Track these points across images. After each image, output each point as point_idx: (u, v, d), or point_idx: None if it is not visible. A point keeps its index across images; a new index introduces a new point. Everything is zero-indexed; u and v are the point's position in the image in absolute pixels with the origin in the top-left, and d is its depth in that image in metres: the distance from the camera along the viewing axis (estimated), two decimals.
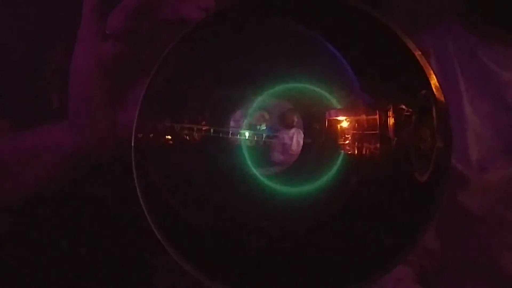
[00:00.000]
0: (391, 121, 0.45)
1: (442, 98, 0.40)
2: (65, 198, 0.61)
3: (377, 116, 0.46)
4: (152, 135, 0.45)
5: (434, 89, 0.40)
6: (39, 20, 0.63)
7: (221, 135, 0.48)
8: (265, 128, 0.49)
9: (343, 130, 0.48)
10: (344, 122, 0.48)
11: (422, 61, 0.40)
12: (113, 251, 0.67)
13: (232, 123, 0.49)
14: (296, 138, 0.49)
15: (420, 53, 0.39)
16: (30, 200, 0.56)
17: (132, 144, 0.39)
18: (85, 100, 0.49)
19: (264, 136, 0.49)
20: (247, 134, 0.48)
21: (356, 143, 0.48)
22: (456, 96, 0.81)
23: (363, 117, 0.47)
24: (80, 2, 0.49)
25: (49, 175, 0.53)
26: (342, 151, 0.49)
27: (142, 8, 0.48)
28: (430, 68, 0.40)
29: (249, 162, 0.49)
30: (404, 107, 0.45)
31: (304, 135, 0.49)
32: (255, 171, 0.49)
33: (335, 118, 0.48)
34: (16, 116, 0.61)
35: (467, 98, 0.81)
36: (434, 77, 0.40)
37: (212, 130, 0.48)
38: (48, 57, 0.64)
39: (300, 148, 0.49)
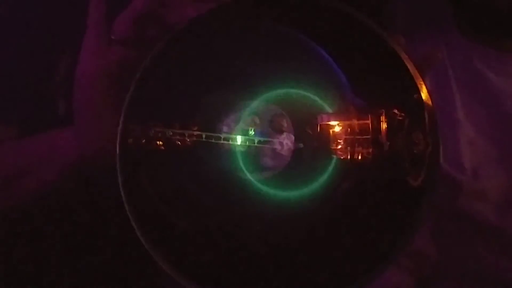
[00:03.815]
0: (383, 125, 0.45)
1: (431, 103, 0.40)
2: (69, 204, 0.61)
3: (370, 121, 0.46)
4: (144, 140, 0.45)
5: (423, 95, 0.40)
6: (46, 27, 0.64)
7: (213, 140, 0.48)
8: (255, 133, 0.49)
9: (335, 135, 0.48)
10: (336, 127, 0.48)
11: (411, 66, 0.40)
12: (117, 258, 0.67)
13: (224, 128, 0.48)
14: (286, 143, 0.48)
15: (407, 57, 0.39)
16: (35, 206, 0.56)
17: (117, 152, 0.39)
18: (90, 106, 0.49)
19: (255, 141, 0.48)
20: (239, 139, 0.48)
21: (349, 147, 0.48)
22: (450, 102, 0.80)
23: (355, 121, 0.47)
24: (87, 9, 0.50)
25: (53, 181, 0.53)
26: (334, 156, 0.48)
27: (148, 14, 0.48)
28: (418, 73, 0.40)
29: (240, 167, 0.48)
30: (396, 111, 0.45)
31: (295, 140, 0.49)
32: (247, 176, 0.48)
33: (327, 122, 0.48)
34: (23, 123, 0.61)
35: (460, 104, 0.80)
36: (423, 82, 0.40)
37: (204, 135, 0.47)
38: (55, 64, 0.64)
39: (291, 153, 0.49)
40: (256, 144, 0.48)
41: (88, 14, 0.49)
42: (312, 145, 0.49)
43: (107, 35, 0.49)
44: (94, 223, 0.65)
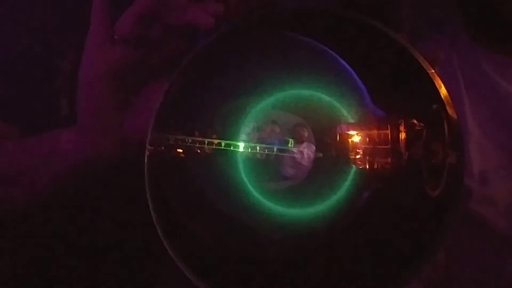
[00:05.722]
0: (402, 135, 0.45)
1: (454, 114, 0.40)
2: (73, 204, 0.61)
3: (389, 131, 0.46)
4: (163, 148, 0.45)
5: (446, 104, 0.40)
6: (49, 27, 0.63)
7: (232, 149, 0.48)
8: (276, 142, 0.49)
9: (354, 145, 0.48)
10: (355, 137, 0.48)
11: (434, 76, 0.40)
12: (119, 258, 0.67)
13: (243, 137, 0.48)
14: (307, 152, 0.49)
15: (433, 71, 0.40)
16: (38, 206, 0.56)
17: (146, 159, 0.39)
18: (94, 105, 0.49)
19: (275, 150, 0.48)
20: (258, 148, 0.48)
21: (368, 157, 0.48)
22: (459, 108, 0.80)
23: (375, 131, 0.47)
24: (90, 8, 0.50)
25: (57, 180, 0.53)
26: (354, 165, 0.48)
27: (151, 13, 0.48)
28: (441, 83, 0.40)
29: (259, 176, 0.48)
30: (415, 121, 0.45)
31: (315, 149, 0.49)
32: (266, 186, 0.48)
33: (346, 132, 0.48)
34: (25, 122, 0.61)
35: (470, 110, 0.80)
36: (446, 92, 0.40)
37: (223, 144, 0.47)
38: (58, 64, 0.64)
39: (312, 162, 0.49)
40: (275, 153, 0.48)
41: (91, 13, 0.49)
42: (331, 154, 0.49)
43: (110, 34, 0.49)
44: (96, 223, 0.65)
